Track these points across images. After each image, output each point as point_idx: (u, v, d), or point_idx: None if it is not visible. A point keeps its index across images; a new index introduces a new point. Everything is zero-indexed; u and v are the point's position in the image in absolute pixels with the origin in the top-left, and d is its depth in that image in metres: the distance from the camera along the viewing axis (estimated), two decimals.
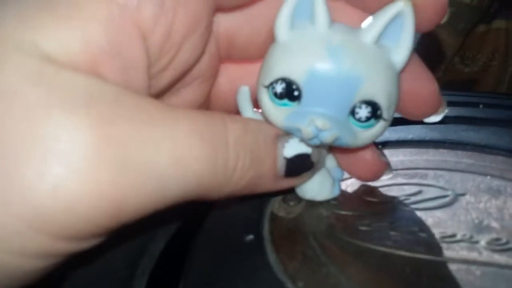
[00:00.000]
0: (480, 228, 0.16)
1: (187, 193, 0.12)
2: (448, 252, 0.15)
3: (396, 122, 0.25)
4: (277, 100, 0.14)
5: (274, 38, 0.15)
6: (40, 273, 0.11)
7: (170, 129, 0.12)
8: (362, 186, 0.19)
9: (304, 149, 0.15)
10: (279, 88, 0.14)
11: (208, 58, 0.16)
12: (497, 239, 0.15)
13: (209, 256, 0.15)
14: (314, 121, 0.14)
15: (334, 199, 0.18)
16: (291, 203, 0.18)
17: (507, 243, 0.15)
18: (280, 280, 0.14)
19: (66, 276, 0.15)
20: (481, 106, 0.30)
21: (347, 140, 0.14)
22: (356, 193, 0.19)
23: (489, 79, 0.54)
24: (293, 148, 0.15)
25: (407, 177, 0.20)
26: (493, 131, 0.24)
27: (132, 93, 0.12)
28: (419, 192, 0.18)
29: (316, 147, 0.15)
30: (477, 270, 0.14)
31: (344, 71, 0.13)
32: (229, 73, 0.18)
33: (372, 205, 0.18)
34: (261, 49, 0.16)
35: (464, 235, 0.15)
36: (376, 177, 0.18)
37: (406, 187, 0.19)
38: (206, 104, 0.18)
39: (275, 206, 0.18)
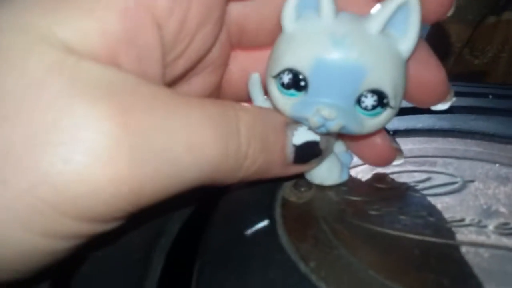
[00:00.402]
0: (489, 213, 0.16)
1: (201, 179, 0.13)
2: (457, 235, 0.15)
3: (406, 111, 0.25)
4: (284, 90, 0.14)
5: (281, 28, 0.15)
6: (62, 253, 0.12)
7: (185, 118, 0.12)
8: (371, 173, 0.19)
9: (312, 136, 0.16)
10: (286, 78, 0.14)
11: (219, 46, 0.17)
12: (505, 224, 0.15)
13: (223, 238, 0.16)
14: (320, 111, 0.14)
15: (344, 185, 0.18)
16: (302, 189, 0.18)
17: None
18: (293, 261, 0.14)
19: (86, 257, 0.15)
20: (490, 96, 0.30)
21: (353, 128, 0.15)
22: (366, 179, 0.19)
23: (498, 71, 0.54)
24: (301, 135, 0.16)
25: (416, 164, 0.20)
26: (502, 120, 0.24)
27: (148, 83, 0.12)
28: (428, 179, 0.19)
29: (324, 134, 0.16)
30: (485, 253, 0.14)
31: (349, 61, 0.13)
32: (240, 61, 0.18)
33: (381, 191, 0.18)
34: (271, 36, 0.16)
35: (473, 219, 0.16)
36: (388, 162, 0.19)
37: (415, 174, 0.19)
38: (217, 92, 0.19)
39: (286, 191, 0.18)
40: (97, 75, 0.11)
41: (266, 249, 0.15)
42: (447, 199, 0.17)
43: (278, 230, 0.16)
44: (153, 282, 0.15)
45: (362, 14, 0.14)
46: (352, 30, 0.14)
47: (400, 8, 0.14)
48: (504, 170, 0.19)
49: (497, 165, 0.19)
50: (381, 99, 0.14)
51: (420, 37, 0.14)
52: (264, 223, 0.16)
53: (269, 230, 0.16)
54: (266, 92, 0.16)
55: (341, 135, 0.18)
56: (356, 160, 0.19)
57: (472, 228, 0.15)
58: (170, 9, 0.13)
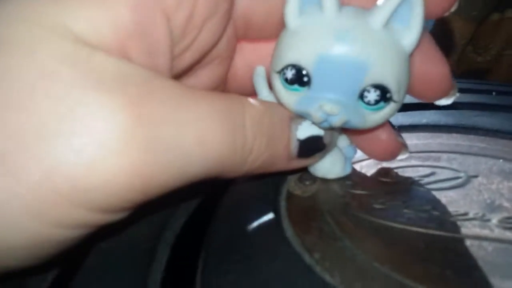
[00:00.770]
0: (492, 207, 0.16)
1: (208, 171, 0.13)
2: (461, 229, 0.15)
3: (411, 107, 0.25)
4: (288, 85, 0.15)
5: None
6: (72, 242, 0.12)
7: (195, 112, 0.12)
8: (376, 167, 0.20)
9: (316, 131, 0.16)
10: (289, 74, 0.14)
11: (226, 39, 0.17)
12: (509, 218, 0.16)
13: (228, 231, 0.16)
14: (323, 106, 0.14)
15: (349, 179, 0.19)
16: (307, 183, 0.18)
17: None
18: (298, 253, 0.14)
19: (92, 249, 0.16)
20: (494, 93, 0.30)
21: (356, 123, 0.15)
22: (371, 174, 0.19)
23: (502, 69, 0.54)
24: (306, 130, 0.16)
25: (420, 159, 0.20)
26: (506, 117, 0.24)
27: (159, 76, 0.12)
28: (432, 174, 0.19)
29: (328, 129, 0.16)
30: (489, 246, 0.14)
31: (352, 56, 0.13)
32: (245, 55, 0.19)
33: (386, 185, 0.18)
34: (277, 28, 0.16)
35: (476, 213, 0.16)
36: (392, 157, 0.19)
37: (419, 168, 0.19)
38: (223, 85, 0.19)
39: (291, 185, 0.18)
40: (110, 67, 0.11)
41: (271, 242, 0.15)
42: (451, 193, 0.17)
43: (283, 223, 0.16)
44: (158, 274, 0.15)
45: (366, 7, 0.14)
46: (355, 24, 0.14)
47: (403, 1, 0.14)
48: (507, 165, 0.19)
49: (501, 160, 0.20)
50: (384, 94, 0.14)
51: (425, 30, 0.14)
52: (269, 216, 0.16)
53: (274, 223, 0.16)
54: (270, 85, 0.17)
55: (345, 130, 0.18)
56: (361, 154, 0.20)
57: (475, 222, 0.15)
58: (178, 2, 0.13)
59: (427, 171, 0.19)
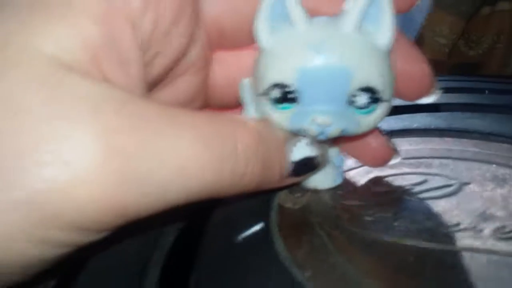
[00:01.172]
0: (485, 216, 0.16)
1: (190, 198, 0.13)
2: (453, 241, 0.15)
3: (401, 110, 0.25)
4: (277, 105, 0.14)
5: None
6: (54, 260, 0.12)
7: (174, 140, 0.12)
8: (367, 176, 0.19)
9: (310, 152, 0.16)
10: (275, 94, 0.14)
11: (199, 47, 0.16)
12: (502, 227, 0.15)
13: (219, 248, 0.16)
14: (315, 119, 0.14)
15: (340, 189, 0.18)
16: (297, 194, 0.18)
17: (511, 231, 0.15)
18: (289, 271, 0.14)
19: (81, 269, 0.15)
20: (486, 91, 0.30)
21: (351, 129, 0.15)
22: (362, 183, 0.19)
23: (494, 62, 0.54)
24: (300, 151, 0.16)
25: (412, 166, 0.20)
26: (498, 118, 0.24)
27: (136, 99, 0.12)
28: (424, 182, 0.19)
29: (321, 145, 0.16)
30: (482, 258, 0.14)
31: (332, 65, 0.13)
32: (223, 65, 0.18)
33: (377, 195, 0.18)
34: (250, 36, 0.15)
35: (469, 223, 0.16)
36: (384, 162, 0.19)
37: (411, 176, 0.19)
38: (202, 98, 0.19)
39: (282, 197, 0.18)
40: (84, 91, 0.11)
41: (263, 259, 0.15)
42: (443, 202, 0.17)
43: (274, 237, 0.16)
44: None
45: (335, 14, 0.14)
46: (328, 34, 0.14)
47: (372, 2, 0.14)
48: (500, 171, 0.19)
49: (494, 166, 0.19)
50: (373, 95, 0.14)
51: (399, 30, 0.14)
52: (260, 231, 0.16)
53: (265, 239, 0.16)
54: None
55: (336, 140, 0.18)
56: (352, 162, 0.19)
57: (468, 233, 0.15)
58: (143, 10, 0.13)
59: (419, 178, 0.19)
